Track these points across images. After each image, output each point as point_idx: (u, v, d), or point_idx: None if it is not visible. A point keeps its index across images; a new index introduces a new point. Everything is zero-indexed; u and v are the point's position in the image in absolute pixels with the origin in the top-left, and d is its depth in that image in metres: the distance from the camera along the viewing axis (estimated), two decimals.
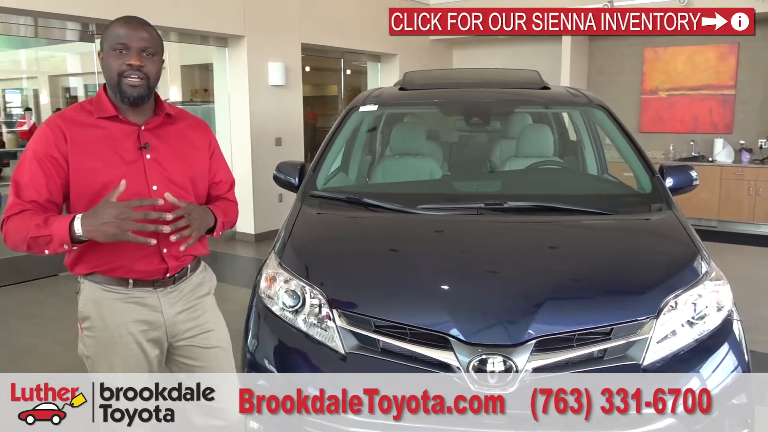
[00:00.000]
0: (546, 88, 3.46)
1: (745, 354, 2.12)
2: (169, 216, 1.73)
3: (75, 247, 1.72)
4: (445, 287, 2.11)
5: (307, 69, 8.02)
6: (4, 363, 3.88)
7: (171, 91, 11.47)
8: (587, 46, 9.30)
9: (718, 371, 2.03)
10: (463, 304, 2.04)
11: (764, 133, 8.10)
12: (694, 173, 2.98)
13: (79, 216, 1.67)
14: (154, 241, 1.71)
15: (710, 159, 8.28)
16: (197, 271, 2.05)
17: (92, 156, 1.78)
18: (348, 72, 10.48)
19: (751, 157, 7.99)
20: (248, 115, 7.13)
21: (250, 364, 2.20)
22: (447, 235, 2.46)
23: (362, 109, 3.37)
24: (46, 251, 1.70)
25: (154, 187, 1.85)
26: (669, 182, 2.91)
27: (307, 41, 7.74)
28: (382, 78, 9.47)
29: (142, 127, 1.86)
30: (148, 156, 1.85)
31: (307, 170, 3.07)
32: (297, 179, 3.07)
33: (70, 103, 12.75)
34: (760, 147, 8.09)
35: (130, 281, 1.86)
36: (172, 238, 1.75)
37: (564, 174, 3.29)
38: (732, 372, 2.04)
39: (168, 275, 1.91)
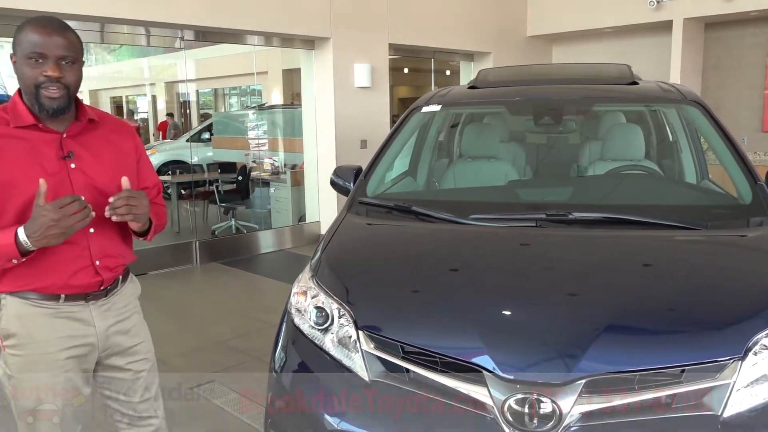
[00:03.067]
0: (634, 83, 3.08)
1: None
2: (93, 214, 1.68)
3: (24, 259, 1.65)
4: (482, 310, 1.84)
5: (396, 70, 7.87)
6: None
7: (273, 94, 11.78)
8: (702, 37, 8.49)
9: None
10: (500, 331, 1.77)
11: None
12: None
13: (21, 228, 1.61)
14: (93, 215, 1.66)
15: None
16: (127, 281, 1.95)
17: (13, 169, 1.66)
18: (448, 72, 10.25)
19: None
20: (333, 118, 7.09)
21: (275, 386, 2.05)
22: (496, 251, 2.18)
23: (425, 109, 3.16)
24: None
25: (82, 198, 1.71)
26: None
27: (394, 41, 7.60)
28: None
29: (64, 135, 1.75)
30: (73, 165, 1.74)
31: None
32: (353, 185, 2.91)
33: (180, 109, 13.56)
34: None
35: (62, 296, 1.76)
36: (106, 213, 1.69)
37: (647, 180, 2.88)
38: None
39: (102, 288, 1.82)
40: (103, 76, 13.57)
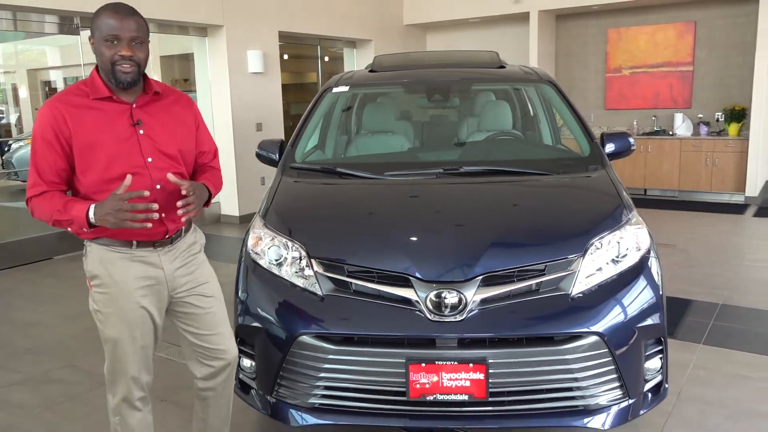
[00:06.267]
0: (502, 67, 3.83)
1: (660, 286, 2.52)
2: (155, 206, 1.94)
3: (93, 229, 1.95)
4: (405, 236, 2.48)
5: (285, 57, 8.30)
6: (16, 335, 4.19)
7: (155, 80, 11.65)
8: (553, 27, 9.68)
9: (636, 299, 2.42)
10: (420, 249, 2.42)
11: (720, 106, 8.57)
12: (631, 139, 3.38)
13: (93, 206, 1.89)
14: (149, 225, 1.95)
15: (671, 133, 8.74)
16: (189, 231, 2.26)
17: (91, 133, 1.95)
18: (325, 58, 10.78)
19: (708, 129, 8.46)
20: (229, 103, 7.43)
21: (243, 311, 2.55)
22: (409, 195, 2.83)
23: (335, 90, 3.72)
24: (69, 229, 1.96)
25: (149, 159, 2.04)
26: (610, 147, 3.31)
27: (284, 29, 8.04)
28: (358, 63, 9.79)
29: (134, 105, 2.03)
30: (141, 131, 2.03)
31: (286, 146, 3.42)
32: (277, 155, 3.41)
33: (50, 95, 12.90)
34: (717, 120, 8.57)
35: (134, 242, 2.06)
36: (180, 212, 1.99)
37: (515, 143, 3.68)
38: (647, 300, 2.44)
39: (167, 236, 2.12)
40: None
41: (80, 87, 2.02)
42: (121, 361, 2.09)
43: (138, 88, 2.05)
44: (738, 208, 7.82)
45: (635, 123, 9.15)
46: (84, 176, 1.99)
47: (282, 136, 8.15)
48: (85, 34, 6.35)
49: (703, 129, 8.46)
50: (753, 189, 8.04)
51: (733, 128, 8.21)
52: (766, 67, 7.76)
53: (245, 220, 7.65)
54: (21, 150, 8.94)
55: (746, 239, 6.34)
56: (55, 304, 4.81)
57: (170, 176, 2.01)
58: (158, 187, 2.06)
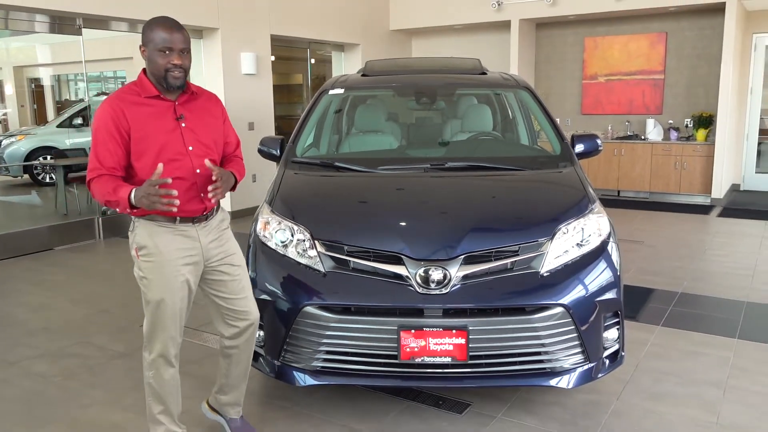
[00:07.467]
0: (483, 73, 4.21)
1: (618, 267, 2.90)
2: (175, 192, 2.19)
3: (136, 209, 2.24)
4: (398, 221, 2.84)
5: (273, 58, 8.62)
6: (29, 316, 4.47)
7: None
8: (534, 35, 10.11)
9: (597, 277, 2.80)
10: (411, 232, 2.78)
11: (689, 113, 9.05)
12: (599, 140, 3.77)
13: (133, 190, 2.18)
14: (174, 209, 2.21)
15: (643, 137, 9.20)
16: (219, 211, 2.61)
17: (145, 126, 2.30)
18: (313, 61, 11.12)
19: (678, 134, 8.93)
20: (223, 102, 7.68)
21: (253, 286, 2.87)
22: (401, 186, 3.20)
23: (331, 92, 4.07)
24: (118, 210, 2.25)
25: (190, 148, 2.41)
26: (580, 147, 3.69)
27: (275, 32, 8.36)
28: (346, 66, 10.14)
29: (176, 103, 2.38)
30: (183, 125, 2.38)
31: (286, 143, 3.77)
32: (278, 151, 3.75)
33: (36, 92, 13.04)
34: (686, 126, 9.06)
35: (178, 219, 2.39)
36: (210, 195, 2.33)
37: (495, 143, 4.06)
38: (607, 278, 2.81)
39: (204, 213, 2.47)
40: None
41: (131, 87, 2.37)
42: (162, 321, 2.41)
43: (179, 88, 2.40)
44: (704, 209, 8.29)
45: (610, 128, 9.61)
46: (138, 162, 2.32)
47: (273, 134, 8.45)
48: (87, 33, 6.63)
49: (673, 134, 8.93)
50: (718, 191, 8.52)
51: (700, 134, 8.69)
52: (730, 76, 8.25)
53: (237, 216, 7.95)
54: (12, 146, 9.15)
55: (709, 236, 6.79)
56: (61, 290, 5.09)
57: (207, 162, 2.35)
58: (198, 171, 2.40)
